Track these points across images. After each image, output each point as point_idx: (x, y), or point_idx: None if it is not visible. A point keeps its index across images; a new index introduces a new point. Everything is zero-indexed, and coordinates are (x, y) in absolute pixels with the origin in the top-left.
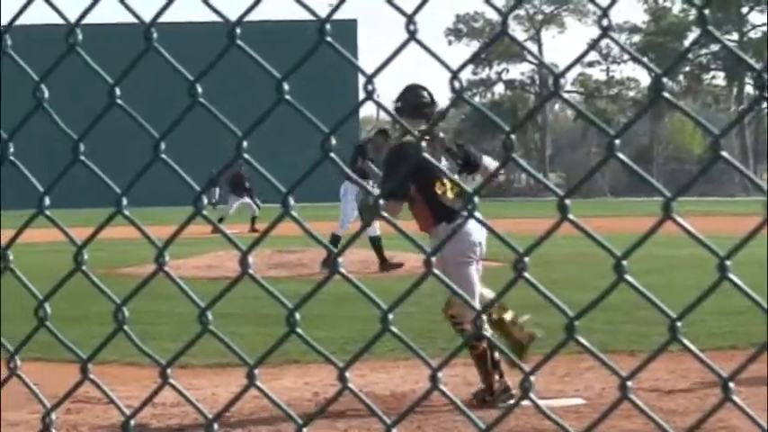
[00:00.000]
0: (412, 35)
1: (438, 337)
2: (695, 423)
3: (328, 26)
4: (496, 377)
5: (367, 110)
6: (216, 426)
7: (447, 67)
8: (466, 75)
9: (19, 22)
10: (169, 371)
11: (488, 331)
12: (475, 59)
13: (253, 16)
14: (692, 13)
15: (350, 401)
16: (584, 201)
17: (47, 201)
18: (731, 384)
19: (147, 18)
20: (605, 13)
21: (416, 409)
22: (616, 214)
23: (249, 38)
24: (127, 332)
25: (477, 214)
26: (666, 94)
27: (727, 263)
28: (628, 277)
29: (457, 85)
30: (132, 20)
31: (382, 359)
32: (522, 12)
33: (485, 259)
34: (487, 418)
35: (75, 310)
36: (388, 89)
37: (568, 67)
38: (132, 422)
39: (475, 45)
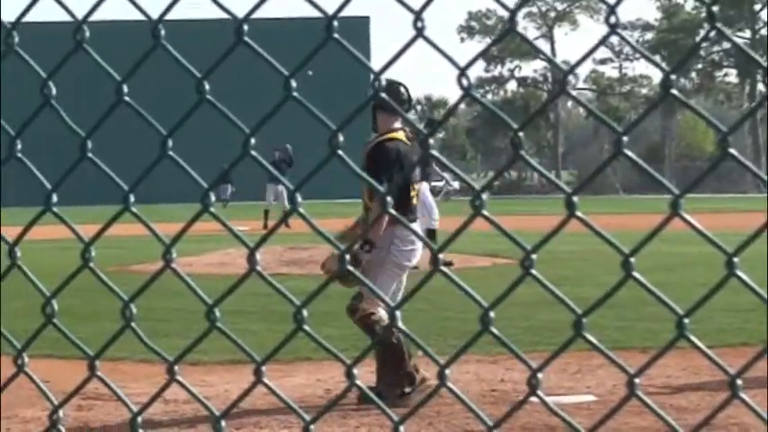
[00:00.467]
0: (419, 32)
1: (449, 335)
2: (703, 420)
3: (336, 23)
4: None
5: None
6: (223, 423)
7: (455, 64)
8: (478, 72)
9: (25, 19)
10: (177, 368)
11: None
12: (482, 56)
13: (263, 14)
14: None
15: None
16: (596, 198)
17: (54, 198)
18: (739, 381)
19: (155, 15)
20: (613, 10)
21: (428, 406)
22: (628, 211)
23: (260, 36)
24: (135, 329)
25: (415, 225)
26: (675, 92)
27: (735, 260)
28: (635, 274)
29: (465, 82)
30: (140, 17)
31: None
32: (534, 9)
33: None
34: (497, 415)
35: (86, 307)
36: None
37: (576, 64)
38: (140, 419)
39: (487, 42)
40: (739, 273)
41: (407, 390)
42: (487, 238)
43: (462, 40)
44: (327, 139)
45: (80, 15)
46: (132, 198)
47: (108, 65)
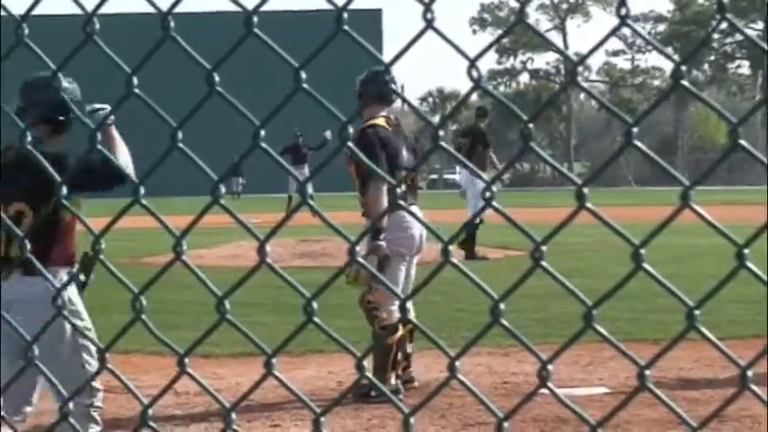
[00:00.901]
0: (429, 23)
1: (461, 326)
2: (713, 412)
3: (348, 15)
4: (393, 376)
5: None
6: (234, 415)
7: (465, 55)
8: (490, 64)
9: (35, 12)
10: (187, 360)
11: (411, 315)
12: (494, 48)
13: (275, 6)
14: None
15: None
16: (608, 190)
17: (64, 191)
18: (749, 373)
19: (165, 8)
20: (623, 1)
21: (440, 398)
22: (639, 203)
23: (271, 28)
24: (145, 321)
25: (414, 209)
26: (685, 83)
27: (746, 251)
28: (645, 265)
29: (475, 73)
30: (149, 9)
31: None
32: (546, 1)
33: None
34: (509, 407)
35: (96, 300)
36: (414, 78)
37: (587, 55)
38: (151, 411)
39: (499, 33)
40: (749, 264)
41: (374, 393)
42: (499, 230)
43: (474, 32)
44: (338, 131)
45: (90, 8)
46: (143, 190)
47: (117, 57)
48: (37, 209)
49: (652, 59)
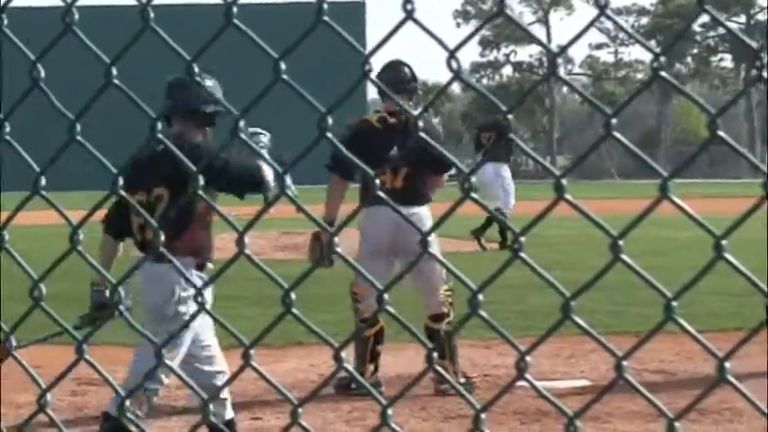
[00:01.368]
0: (409, 14)
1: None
2: (689, 404)
3: (330, 7)
4: (371, 368)
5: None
6: (212, 407)
7: (445, 46)
8: (473, 57)
9: (17, 3)
10: (164, 351)
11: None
12: (474, 40)
13: None
14: None
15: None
16: (591, 182)
17: (43, 181)
18: (727, 365)
19: None
20: None
21: (422, 390)
22: (621, 196)
23: (254, 20)
24: (122, 312)
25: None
26: (664, 74)
27: (724, 242)
28: (624, 257)
29: (455, 65)
30: (129, 1)
31: (392, 341)
32: None
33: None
34: (489, 400)
35: (76, 292)
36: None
37: (565, 47)
38: (128, 403)
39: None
40: (727, 256)
41: (353, 386)
42: (480, 222)
43: (458, 25)
44: (317, 122)
45: None
46: (121, 181)
47: (97, 48)
48: (175, 196)
49: (635, 53)
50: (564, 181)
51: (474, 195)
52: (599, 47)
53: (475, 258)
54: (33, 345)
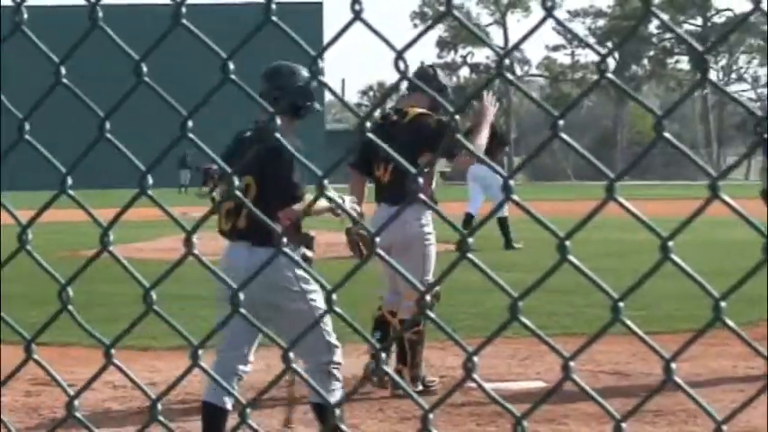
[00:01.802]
0: (357, 15)
1: None
2: (635, 406)
3: (274, 5)
4: (411, 368)
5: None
6: (159, 406)
7: (392, 47)
8: (431, 58)
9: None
10: (114, 351)
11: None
12: (419, 40)
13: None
14: None
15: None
16: (548, 184)
17: (69, 180)
18: (673, 365)
19: None
20: None
21: (380, 391)
22: (579, 197)
23: (212, 21)
24: (71, 312)
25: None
26: (610, 75)
27: (670, 244)
28: (571, 258)
29: (402, 65)
30: (79, 1)
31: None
32: None
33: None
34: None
35: (35, 293)
36: (356, 72)
37: (511, 49)
38: (77, 402)
39: (440, 28)
40: (674, 257)
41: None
42: (438, 224)
43: (416, 26)
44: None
45: None
46: (70, 181)
47: (47, 47)
48: (262, 184)
49: (592, 55)
50: (512, 182)
51: (422, 197)
52: (556, 48)
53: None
54: None
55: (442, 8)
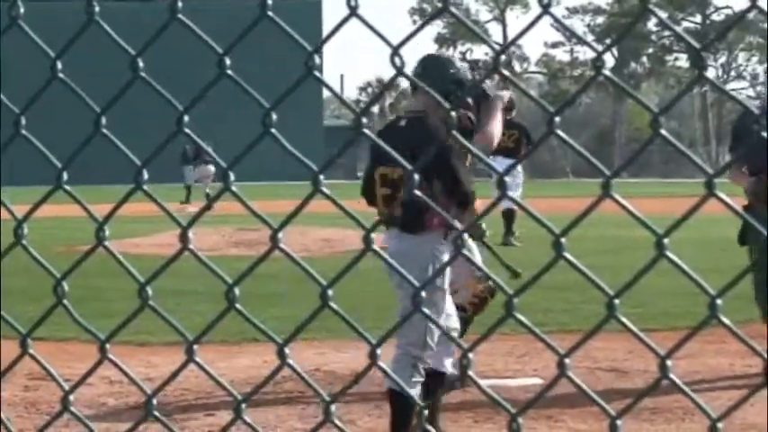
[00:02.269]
0: (353, 11)
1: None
2: (629, 404)
3: (270, 1)
4: None
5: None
6: (155, 401)
7: (388, 43)
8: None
9: None
10: (108, 346)
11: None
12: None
13: None
14: None
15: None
16: (546, 181)
17: (65, 176)
18: (668, 362)
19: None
20: None
21: (377, 388)
22: (577, 195)
23: (210, 16)
24: (66, 306)
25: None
26: (606, 72)
27: (665, 241)
28: (566, 255)
29: (398, 61)
30: None
31: (348, 338)
32: None
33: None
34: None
35: (34, 288)
36: (355, 68)
37: (507, 45)
38: (72, 397)
39: (439, 25)
40: (669, 254)
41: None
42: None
43: (414, 22)
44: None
45: None
46: (65, 176)
47: (43, 42)
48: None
49: (591, 52)
50: (508, 179)
51: (417, 192)
52: (554, 46)
53: None
54: None
55: (440, 4)
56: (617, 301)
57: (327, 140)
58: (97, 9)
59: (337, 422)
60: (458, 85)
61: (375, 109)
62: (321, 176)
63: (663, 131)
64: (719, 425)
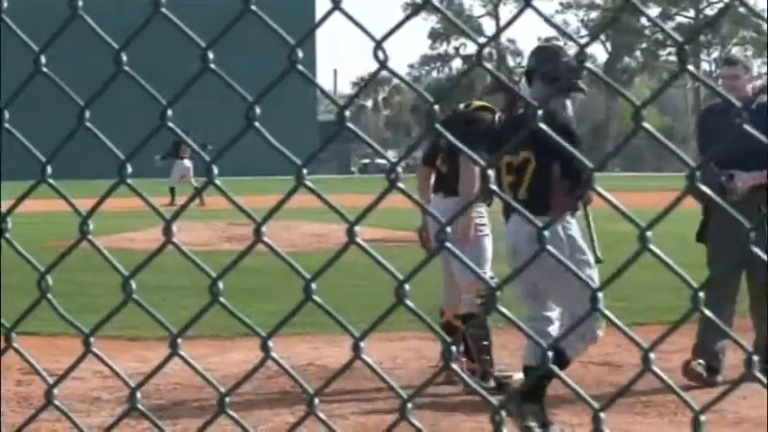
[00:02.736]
0: (336, 5)
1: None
2: (612, 396)
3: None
4: (478, 362)
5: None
6: (138, 394)
7: (371, 37)
8: (423, 50)
9: None
10: (92, 340)
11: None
12: (396, 31)
13: None
14: None
15: (312, 375)
16: None
17: (49, 169)
18: (652, 355)
19: None
20: None
21: (371, 382)
22: None
23: (194, 11)
24: (50, 300)
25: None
26: (589, 65)
27: (649, 234)
28: (549, 247)
29: (381, 55)
30: None
31: (342, 333)
32: None
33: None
34: (435, 392)
35: (29, 282)
36: (348, 63)
37: (491, 39)
38: (56, 391)
39: (433, 19)
40: (652, 247)
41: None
42: (417, 214)
43: (412, 16)
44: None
45: None
46: (49, 170)
47: (27, 36)
48: (540, 158)
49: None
50: (490, 171)
51: (401, 186)
52: (548, 40)
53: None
54: None
55: None
56: (600, 295)
57: (321, 136)
58: (81, 3)
59: (321, 415)
60: (571, 73)
61: (369, 103)
62: (305, 170)
63: (645, 124)
64: (702, 417)
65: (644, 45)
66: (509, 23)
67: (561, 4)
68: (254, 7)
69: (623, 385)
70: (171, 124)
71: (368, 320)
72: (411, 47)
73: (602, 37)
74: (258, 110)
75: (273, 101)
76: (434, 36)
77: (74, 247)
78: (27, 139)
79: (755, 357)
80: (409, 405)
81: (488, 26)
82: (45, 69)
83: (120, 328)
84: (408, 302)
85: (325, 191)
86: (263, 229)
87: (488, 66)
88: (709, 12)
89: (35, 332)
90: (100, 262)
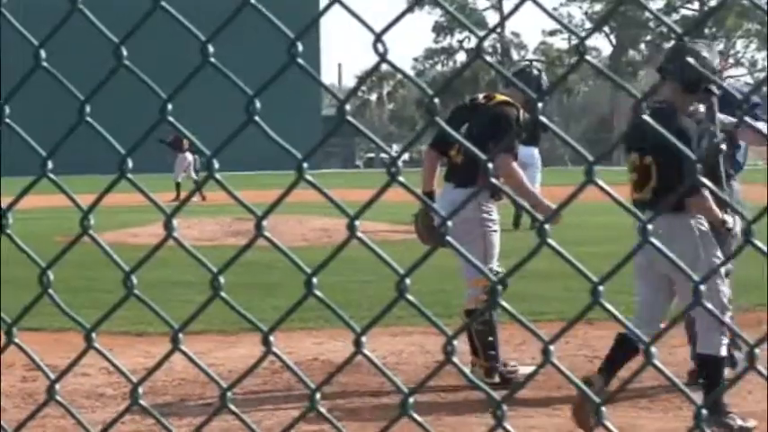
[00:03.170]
0: None
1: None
2: (614, 391)
3: None
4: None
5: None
6: (142, 390)
7: (371, 30)
8: (427, 43)
9: None
10: (97, 335)
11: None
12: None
13: None
14: None
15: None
16: (545, 169)
17: (50, 164)
18: (653, 349)
19: None
20: None
21: (375, 377)
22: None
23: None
24: (52, 296)
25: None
26: (589, 58)
27: (650, 227)
28: (550, 241)
29: (381, 48)
30: None
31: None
32: None
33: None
34: (440, 385)
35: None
36: (352, 57)
37: (490, 31)
38: (58, 386)
39: (437, 13)
40: (653, 240)
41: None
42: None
43: (411, 10)
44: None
45: None
46: (50, 164)
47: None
48: (661, 162)
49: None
50: (490, 165)
51: (401, 179)
52: (552, 33)
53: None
54: None
55: None
56: (601, 288)
57: (326, 130)
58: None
59: (322, 410)
60: (712, 72)
61: (373, 97)
62: (305, 164)
63: (645, 116)
64: (705, 411)
65: (649, 38)
66: (509, 14)
67: None
68: (253, 1)
69: (625, 379)
70: (171, 118)
71: (371, 315)
72: (415, 41)
73: (607, 30)
74: (258, 104)
75: (278, 95)
76: (438, 29)
77: (74, 243)
78: (28, 134)
79: (756, 350)
80: (411, 400)
81: (492, 19)
82: (45, 64)
83: (129, 324)
84: (409, 297)
85: (329, 186)
86: (264, 223)
87: (489, 59)
88: (714, 4)
89: (41, 328)
90: (106, 257)
